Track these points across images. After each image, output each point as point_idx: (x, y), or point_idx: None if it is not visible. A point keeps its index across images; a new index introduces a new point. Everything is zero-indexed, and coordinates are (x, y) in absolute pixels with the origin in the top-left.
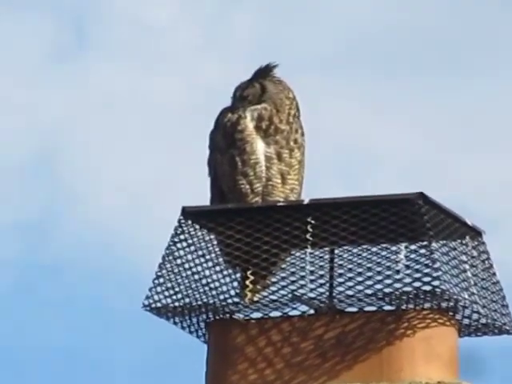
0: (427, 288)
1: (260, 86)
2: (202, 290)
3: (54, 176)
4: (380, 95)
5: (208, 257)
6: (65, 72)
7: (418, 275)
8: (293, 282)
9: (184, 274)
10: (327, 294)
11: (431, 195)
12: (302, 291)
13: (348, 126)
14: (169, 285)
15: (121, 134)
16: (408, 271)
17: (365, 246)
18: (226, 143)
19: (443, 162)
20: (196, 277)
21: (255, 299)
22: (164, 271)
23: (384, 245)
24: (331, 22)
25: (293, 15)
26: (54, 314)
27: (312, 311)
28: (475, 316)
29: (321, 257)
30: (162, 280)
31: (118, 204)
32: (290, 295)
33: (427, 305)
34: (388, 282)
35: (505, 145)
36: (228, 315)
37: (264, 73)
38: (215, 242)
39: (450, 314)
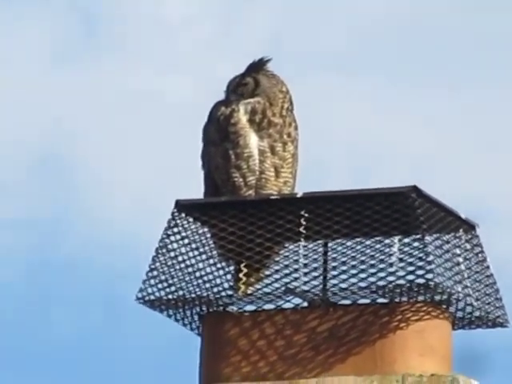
0: (421, 281)
1: (253, 79)
2: (195, 283)
3: (64, 174)
4: (392, 92)
5: (202, 250)
6: (74, 70)
7: (411, 268)
8: (286, 274)
9: (178, 267)
10: (321, 286)
11: (442, 192)
12: (295, 284)
13: (360, 122)
14: (162, 277)
15: (132, 132)
16: (401, 264)
17: (358, 239)
18: (219, 137)
19: (456, 160)
20: (190, 269)
21: (249, 292)
22: (157, 264)
23: (377, 238)
24: (344, 19)
25: (307, 12)
26: (65, 312)
27: (305, 304)
28: (469, 309)
29: (314, 250)
30: (155, 273)
31: (129, 200)
32: (283, 288)
33: (421, 298)
34: (381, 275)
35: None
36: (222, 308)
37: (257, 67)
38: (209, 235)
39: (444, 306)
